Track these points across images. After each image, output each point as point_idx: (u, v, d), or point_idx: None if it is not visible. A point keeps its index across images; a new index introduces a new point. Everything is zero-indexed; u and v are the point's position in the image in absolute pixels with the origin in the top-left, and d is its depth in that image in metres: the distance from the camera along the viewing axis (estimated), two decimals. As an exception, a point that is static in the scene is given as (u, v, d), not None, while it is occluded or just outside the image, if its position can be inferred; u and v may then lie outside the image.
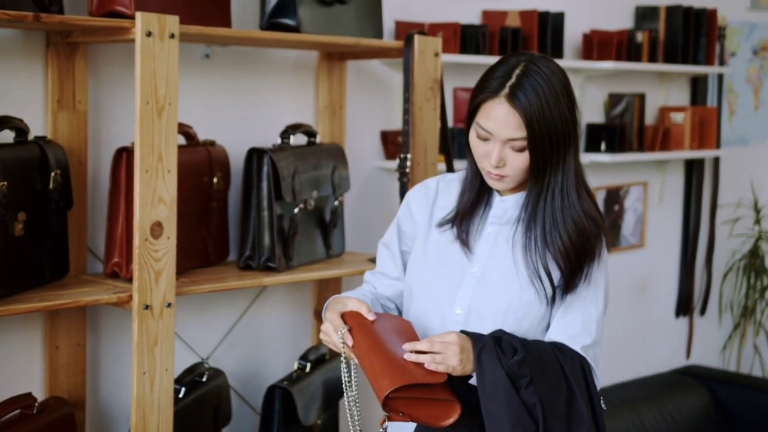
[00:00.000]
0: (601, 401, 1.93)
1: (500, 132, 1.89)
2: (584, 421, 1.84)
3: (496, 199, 2.03)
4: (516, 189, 2.01)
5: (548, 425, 1.81)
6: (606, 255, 2.03)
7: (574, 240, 1.93)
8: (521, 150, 1.89)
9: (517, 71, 1.89)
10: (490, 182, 1.97)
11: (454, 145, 3.21)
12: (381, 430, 1.81)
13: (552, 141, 1.88)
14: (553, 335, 1.97)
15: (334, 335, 1.87)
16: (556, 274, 1.96)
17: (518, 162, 1.91)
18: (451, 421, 1.79)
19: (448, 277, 2.01)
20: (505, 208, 2.02)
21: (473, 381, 1.85)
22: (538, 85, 1.87)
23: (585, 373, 1.91)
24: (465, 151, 2.04)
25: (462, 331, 1.88)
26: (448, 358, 1.80)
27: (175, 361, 2.38)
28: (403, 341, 1.84)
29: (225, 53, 2.80)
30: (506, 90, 1.87)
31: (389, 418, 1.79)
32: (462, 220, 2.02)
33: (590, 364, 1.94)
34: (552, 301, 1.96)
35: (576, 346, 1.94)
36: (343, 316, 1.89)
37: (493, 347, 1.84)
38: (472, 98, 1.94)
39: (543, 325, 1.99)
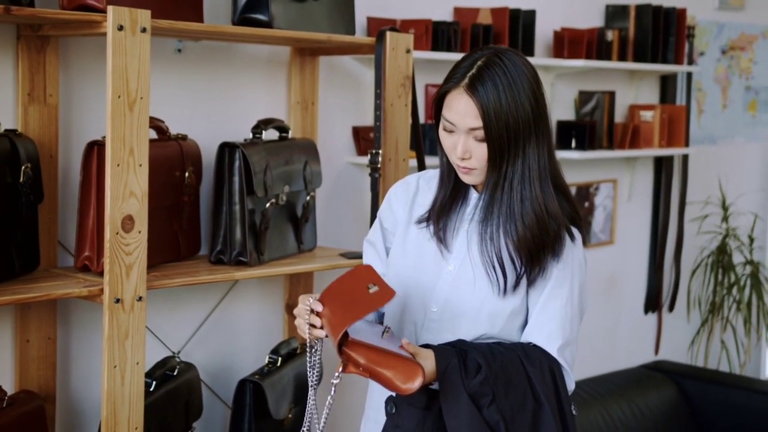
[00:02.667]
0: (573, 407, 1.94)
1: (461, 122, 1.91)
2: (551, 429, 1.87)
3: (473, 195, 2.05)
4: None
5: None
6: (582, 256, 2.03)
7: (534, 232, 1.93)
8: (483, 140, 1.91)
9: (479, 63, 1.92)
10: (461, 176, 1.99)
11: (425, 141, 3.23)
12: (336, 375, 1.80)
13: (509, 131, 1.89)
14: (529, 334, 1.99)
15: (304, 312, 1.87)
16: (512, 266, 1.96)
17: (482, 153, 1.92)
18: (413, 385, 1.78)
19: (425, 275, 2.03)
20: (482, 206, 2.03)
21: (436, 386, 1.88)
22: (496, 75, 1.89)
23: (555, 379, 1.92)
24: (437, 148, 2.06)
25: (428, 345, 1.91)
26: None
27: (146, 355, 2.38)
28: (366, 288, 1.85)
29: (197, 48, 2.81)
30: (466, 80, 1.90)
31: (345, 368, 1.80)
32: (439, 217, 2.04)
33: (562, 367, 1.96)
34: (504, 291, 1.96)
35: (551, 346, 1.96)
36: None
37: (458, 366, 1.85)
38: (438, 91, 1.98)
39: (517, 322, 2.00)
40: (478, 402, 1.83)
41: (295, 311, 1.91)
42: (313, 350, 1.90)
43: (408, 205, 2.11)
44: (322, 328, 1.84)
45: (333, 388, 1.83)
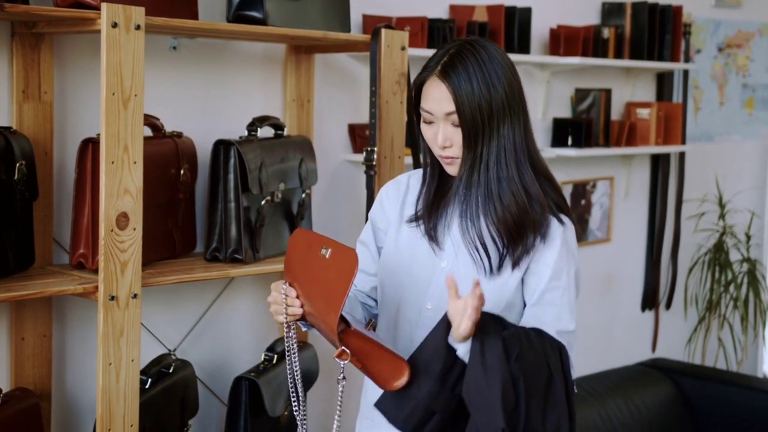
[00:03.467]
0: (573, 385, 1.94)
1: (437, 108, 1.93)
2: (560, 403, 1.86)
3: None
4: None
5: (529, 403, 1.82)
6: (574, 242, 2.04)
7: (512, 211, 1.94)
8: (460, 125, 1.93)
9: (452, 51, 1.95)
10: (446, 168, 2.00)
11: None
12: (341, 363, 1.85)
13: (482, 113, 1.91)
14: (527, 323, 1.99)
15: (279, 296, 1.91)
16: (494, 246, 1.97)
17: (461, 139, 1.93)
18: (400, 382, 1.82)
19: (418, 273, 2.03)
20: (461, 188, 2.02)
21: (461, 353, 1.86)
22: (467, 60, 1.92)
23: (561, 356, 1.92)
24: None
25: None
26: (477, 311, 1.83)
27: (141, 353, 2.38)
28: (335, 273, 1.84)
29: (192, 45, 2.81)
30: (438, 68, 1.93)
31: (342, 355, 1.82)
32: (429, 214, 2.04)
33: (566, 348, 1.95)
34: (491, 271, 1.97)
35: (551, 333, 1.96)
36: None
37: (492, 318, 1.86)
38: (413, 83, 2.00)
39: (513, 316, 2.00)
40: (508, 352, 1.83)
41: (270, 299, 1.94)
42: (291, 331, 1.97)
43: (399, 205, 2.11)
44: (302, 306, 1.89)
45: (342, 373, 1.88)
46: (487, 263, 1.97)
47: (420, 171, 2.15)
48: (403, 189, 2.13)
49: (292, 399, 2.03)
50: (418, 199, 2.07)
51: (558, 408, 1.86)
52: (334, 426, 1.95)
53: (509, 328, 1.87)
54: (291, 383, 2.03)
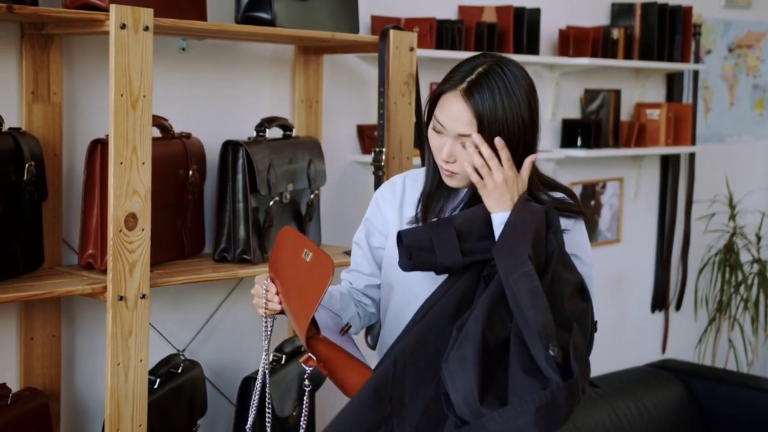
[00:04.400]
0: (595, 324, 1.92)
1: (452, 126, 1.92)
2: (586, 308, 1.86)
3: (465, 191, 2.04)
4: None
5: (557, 273, 1.83)
6: (582, 231, 2.06)
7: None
8: None
9: (480, 69, 1.93)
10: (444, 178, 2.00)
11: (429, 139, 3.23)
12: (307, 369, 1.87)
13: (503, 132, 1.90)
14: None
15: (261, 292, 1.95)
16: None
17: (467, 158, 1.92)
18: None
19: (426, 275, 2.01)
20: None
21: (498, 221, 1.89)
22: (495, 85, 1.90)
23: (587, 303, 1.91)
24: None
25: None
26: (503, 172, 1.88)
27: (150, 353, 2.39)
28: (313, 278, 1.86)
29: (201, 46, 2.81)
30: (464, 85, 1.91)
31: (308, 361, 1.85)
32: (427, 216, 2.04)
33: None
34: None
35: None
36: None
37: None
38: (434, 90, 1.99)
39: None
40: (549, 222, 1.87)
41: (253, 291, 1.98)
42: (269, 324, 2.01)
43: (397, 206, 2.11)
44: (281, 303, 1.93)
45: (306, 380, 1.92)
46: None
47: (414, 171, 2.16)
48: (399, 190, 2.13)
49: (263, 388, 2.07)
50: (419, 201, 2.07)
51: (583, 306, 1.85)
52: (302, 427, 1.98)
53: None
54: (261, 377, 2.04)
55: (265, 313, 1.96)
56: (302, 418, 1.98)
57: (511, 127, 1.91)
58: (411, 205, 2.09)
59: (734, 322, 4.83)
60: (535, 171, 2.01)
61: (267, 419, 2.05)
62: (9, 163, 2.26)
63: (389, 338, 2.05)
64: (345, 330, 1.96)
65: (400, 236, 1.91)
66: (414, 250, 1.90)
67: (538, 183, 2.01)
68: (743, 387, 4.28)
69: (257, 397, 2.08)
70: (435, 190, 2.05)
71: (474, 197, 1.99)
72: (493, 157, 1.89)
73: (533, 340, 1.73)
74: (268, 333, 2.02)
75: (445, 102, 1.93)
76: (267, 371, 2.05)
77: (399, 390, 1.86)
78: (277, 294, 1.94)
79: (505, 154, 1.89)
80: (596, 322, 1.94)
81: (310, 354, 1.85)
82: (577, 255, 1.98)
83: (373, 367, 1.96)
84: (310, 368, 1.86)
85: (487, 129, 1.89)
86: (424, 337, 1.87)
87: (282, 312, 1.96)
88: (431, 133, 1.98)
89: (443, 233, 1.89)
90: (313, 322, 1.86)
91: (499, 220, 1.89)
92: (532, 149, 1.97)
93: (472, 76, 1.91)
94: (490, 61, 1.95)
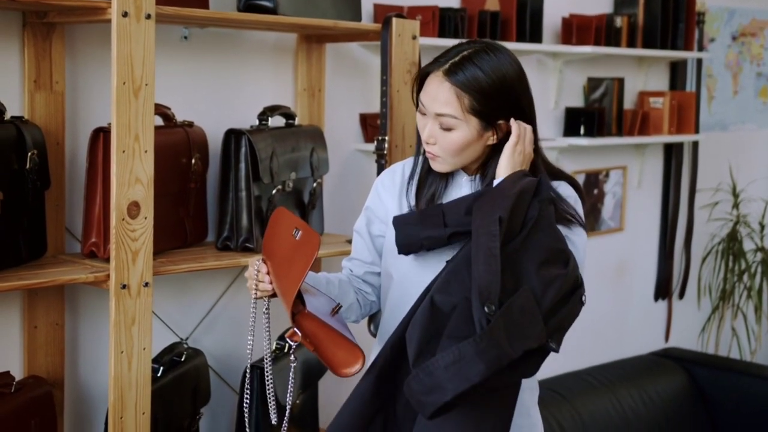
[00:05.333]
0: (583, 297, 1.90)
1: (430, 105, 1.94)
2: (560, 277, 1.83)
3: (465, 178, 2.05)
4: (482, 169, 2.03)
5: (530, 236, 1.84)
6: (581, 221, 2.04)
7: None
8: (449, 129, 1.93)
9: (465, 53, 1.94)
10: (431, 162, 2.01)
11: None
12: (291, 344, 1.88)
13: (493, 106, 1.93)
14: None
15: (253, 273, 1.95)
16: None
17: (446, 142, 1.94)
18: (351, 370, 1.84)
19: (425, 265, 2.02)
20: (473, 187, 2.03)
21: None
22: (479, 65, 1.92)
23: (578, 274, 1.90)
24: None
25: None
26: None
27: (153, 341, 2.39)
28: (299, 255, 1.87)
29: (203, 35, 2.81)
30: (447, 66, 1.93)
31: (293, 336, 1.86)
32: (419, 200, 2.05)
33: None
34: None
35: None
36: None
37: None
38: (420, 70, 2.01)
39: None
40: (538, 188, 1.89)
41: (246, 274, 1.98)
42: (262, 307, 2.00)
43: (396, 195, 2.11)
44: (271, 283, 1.93)
45: (292, 355, 1.95)
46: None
47: (412, 158, 2.15)
48: (399, 178, 2.13)
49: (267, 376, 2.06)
50: (408, 183, 2.09)
51: (558, 275, 1.83)
52: (288, 402, 1.97)
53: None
54: (249, 351, 2.04)
55: (256, 294, 1.96)
56: (288, 390, 1.98)
57: (503, 103, 1.93)
58: (412, 192, 2.09)
59: (737, 311, 4.83)
60: (541, 157, 2.02)
61: (271, 406, 2.04)
62: (11, 152, 2.27)
63: (389, 327, 2.05)
64: (335, 310, 1.97)
65: (394, 219, 1.97)
66: (401, 226, 1.96)
67: (544, 170, 2.01)
68: (746, 375, 4.29)
69: (248, 384, 2.09)
70: (426, 175, 2.06)
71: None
72: (524, 128, 1.96)
73: (475, 297, 1.75)
74: (267, 315, 2.01)
75: (427, 83, 1.96)
76: (269, 361, 2.04)
77: (394, 374, 1.88)
78: (268, 274, 1.93)
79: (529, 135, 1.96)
80: (583, 292, 1.91)
81: (295, 329, 1.86)
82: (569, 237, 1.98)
83: (370, 354, 1.97)
84: (295, 343, 1.87)
85: (472, 105, 1.91)
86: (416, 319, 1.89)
87: (274, 295, 1.96)
88: (417, 115, 2.01)
89: (430, 211, 1.97)
90: (300, 298, 1.88)
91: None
92: (531, 124, 1.99)
93: (456, 59, 1.93)
94: (477, 46, 1.97)
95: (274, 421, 2.03)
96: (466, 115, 1.92)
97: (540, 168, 2.01)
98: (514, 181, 1.89)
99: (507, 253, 1.81)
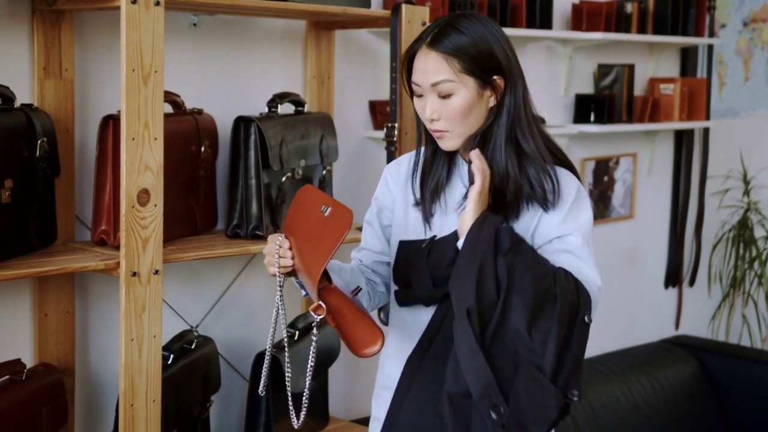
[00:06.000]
0: (588, 316, 1.89)
1: (424, 79, 1.92)
2: (554, 320, 1.81)
3: (465, 169, 2.03)
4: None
5: (510, 298, 1.80)
6: (584, 194, 2.01)
7: (503, 180, 1.95)
8: (448, 96, 1.91)
9: (443, 23, 1.95)
10: (438, 143, 1.99)
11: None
12: (315, 317, 1.84)
13: (483, 63, 1.91)
14: None
15: (273, 247, 1.91)
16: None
17: (449, 111, 1.92)
18: (371, 350, 1.83)
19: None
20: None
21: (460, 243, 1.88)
22: (461, 28, 1.91)
23: (577, 286, 1.88)
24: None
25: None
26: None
27: (163, 329, 2.40)
28: (326, 231, 1.86)
29: (212, 22, 2.80)
30: (429, 39, 1.93)
31: (317, 310, 1.83)
32: (440, 192, 2.04)
33: (585, 286, 1.90)
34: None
35: None
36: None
37: (499, 219, 1.88)
38: (405, 53, 1.99)
39: None
40: (498, 245, 1.84)
41: (264, 249, 1.94)
42: (281, 286, 1.96)
43: (403, 186, 2.10)
44: (293, 258, 1.89)
45: (315, 329, 1.88)
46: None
47: (420, 149, 2.13)
48: (404, 169, 2.12)
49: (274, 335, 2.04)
50: (413, 174, 2.08)
51: (550, 322, 1.80)
52: (307, 380, 1.94)
53: (512, 232, 1.88)
54: (271, 336, 2.02)
55: (278, 270, 1.92)
56: (309, 367, 1.95)
57: (491, 59, 1.92)
58: (416, 183, 2.09)
59: (748, 298, 4.81)
60: (546, 140, 2.00)
61: (288, 386, 2.02)
62: (21, 140, 2.27)
63: (398, 317, 2.08)
64: (355, 292, 1.96)
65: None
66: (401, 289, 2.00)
67: (547, 155, 1.98)
68: (757, 363, 4.28)
69: (267, 364, 2.05)
70: (429, 165, 2.05)
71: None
72: (486, 168, 1.90)
73: (477, 399, 1.78)
74: (280, 295, 1.97)
75: (415, 63, 1.95)
76: (273, 335, 2.03)
77: None
78: (290, 249, 1.91)
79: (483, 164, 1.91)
80: (586, 309, 1.89)
81: (320, 302, 1.84)
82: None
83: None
84: (319, 317, 1.84)
85: (463, 66, 1.90)
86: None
87: (292, 273, 1.93)
88: (414, 101, 1.98)
89: (419, 268, 1.96)
90: (326, 275, 1.87)
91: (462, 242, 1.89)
92: (520, 85, 1.96)
93: (436, 30, 1.93)
94: (453, 15, 1.97)
95: (290, 401, 2.01)
96: (460, 76, 1.91)
97: (543, 155, 1.97)
98: (475, 242, 1.85)
99: (491, 336, 1.79)
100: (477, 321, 1.78)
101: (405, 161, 2.14)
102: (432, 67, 1.91)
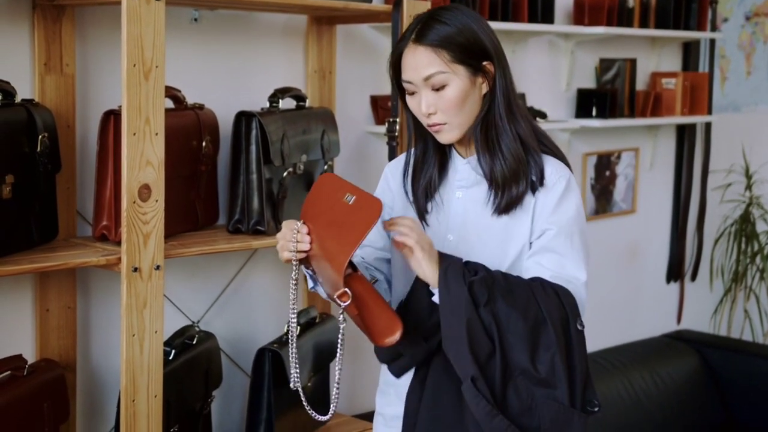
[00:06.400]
0: (579, 322, 1.89)
1: (416, 74, 1.91)
2: (552, 343, 1.83)
3: (460, 162, 2.03)
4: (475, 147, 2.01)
5: (505, 343, 1.81)
6: (573, 186, 1.99)
7: (509, 163, 1.94)
8: (442, 87, 1.91)
9: (424, 18, 1.94)
10: (437, 137, 1.98)
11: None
12: (341, 304, 1.82)
13: (472, 51, 1.91)
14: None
15: (288, 232, 1.88)
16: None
17: (444, 102, 1.91)
18: (390, 339, 1.82)
19: None
20: (469, 170, 2.01)
21: (436, 299, 1.87)
22: (443, 19, 1.91)
23: (559, 296, 1.88)
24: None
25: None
26: (414, 232, 1.85)
27: (165, 324, 2.39)
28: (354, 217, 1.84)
29: (213, 17, 2.80)
30: (413, 35, 1.92)
31: (342, 296, 1.81)
32: (433, 190, 2.04)
33: (569, 290, 1.90)
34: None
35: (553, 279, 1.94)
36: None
37: (460, 265, 1.85)
38: (390, 58, 1.98)
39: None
40: (475, 299, 1.82)
41: (279, 235, 1.91)
42: (296, 269, 1.92)
43: (401, 184, 2.10)
44: (311, 243, 1.86)
45: (341, 315, 1.85)
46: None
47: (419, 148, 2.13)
48: (401, 167, 2.12)
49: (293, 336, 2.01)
50: (404, 173, 2.08)
51: (550, 349, 1.82)
52: (337, 371, 1.92)
53: (481, 272, 1.86)
54: (292, 323, 1.98)
55: (295, 255, 1.88)
56: (338, 358, 1.92)
57: (477, 45, 1.91)
58: (408, 183, 2.09)
59: (750, 293, 4.81)
60: (535, 131, 1.99)
61: (297, 382, 2.01)
62: (22, 135, 2.26)
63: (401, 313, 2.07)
64: (373, 282, 1.96)
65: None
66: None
67: (534, 139, 1.98)
68: (759, 357, 4.28)
69: (293, 350, 2.02)
70: (420, 165, 2.04)
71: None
72: (410, 227, 1.86)
73: None
74: (295, 281, 1.94)
75: (403, 62, 1.94)
76: (293, 328, 2.01)
77: None
78: (308, 234, 1.87)
79: (408, 221, 1.88)
80: (576, 316, 1.90)
81: (345, 289, 1.81)
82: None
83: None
84: (345, 303, 1.82)
85: (452, 56, 1.89)
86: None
87: (303, 261, 1.90)
88: (408, 100, 1.97)
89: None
90: (351, 263, 1.85)
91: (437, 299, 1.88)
92: (506, 72, 1.96)
93: (419, 26, 1.93)
94: (433, 9, 1.97)
95: (293, 386, 1.99)
96: (451, 66, 1.90)
97: (532, 146, 1.96)
98: (449, 300, 1.83)
99: (500, 387, 1.81)
100: (484, 385, 1.80)
101: (403, 158, 2.14)
102: (422, 62, 1.90)
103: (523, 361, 1.82)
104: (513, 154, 1.94)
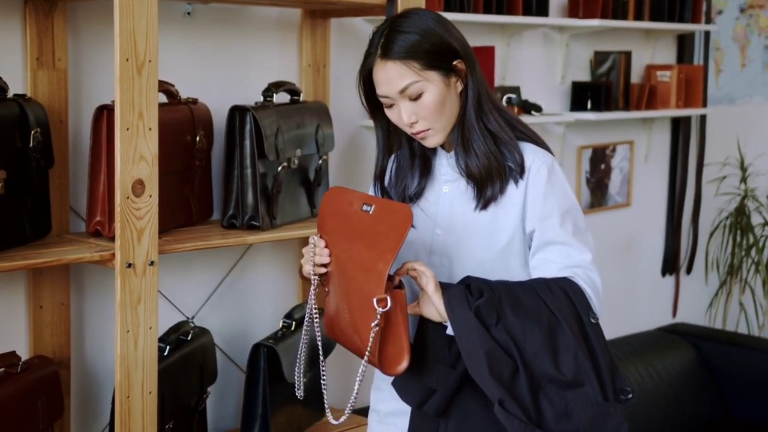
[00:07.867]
0: (591, 316, 1.89)
1: (390, 88, 1.90)
2: (571, 342, 1.83)
3: (444, 157, 2.03)
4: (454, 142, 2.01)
5: (526, 356, 1.81)
6: (558, 171, 1.99)
7: (483, 161, 1.94)
8: (418, 96, 1.90)
9: (385, 30, 1.92)
10: (424, 144, 1.98)
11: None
12: (378, 310, 1.79)
13: (440, 54, 1.90)
14: (535, 275, 1.97)
15: (308, 248, 1.91)
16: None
17: (424, 108, 1.91)
18: (397, 369, 1.82)
19: (418, 242, 2.02)
20: (453, 165, 2.01)
21: (450, 331, 1.87)
22: (403, 32, 1.89)
23: (567, 293, 1.88)
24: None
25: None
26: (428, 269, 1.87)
27: (159, 320, 2.38)
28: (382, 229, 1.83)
29: (206, 11, 2.78)
30: (379, 51, 1.91)
31: (381, 303, 1.78)
32: (419, 195, 2.04)
33: (577, 283, 1.91)
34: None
35: (563, 271, 1.94)
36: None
37: (462, 292, 1.85)
38: (360, 73, 1.97)
39: (520, 261, 1.99)
40: (485, 323, 1.82)
41: (303, 250, 1.94)
42: (316, 284, 1.94)
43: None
44: (330, 255, 1.88)
45: (378, 317, 1.82)
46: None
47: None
48: (387, 178, 2.12)
49: (321, 363, 2.02)
50: (375, 180, 2.08)
51: (570, 349, 1.82)
52: (360, 371, 1.89)
53: (485, 294, 1.85)
54: (304, 341, 2.02)
55: (312, 268, 1.90)
56: (366, 353, 1.88)
57: (443, 47, 1.90)
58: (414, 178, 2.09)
59: (745, 286, 4.81)
60: (508, 121, 1.98)
61: (298, 377, 2.00)
62: (14, 130, 2.24)
63: None
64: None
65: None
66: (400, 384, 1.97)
67: (507, 129, 1.97)
68: (754, 350, 4.28)
69: (303, 348, 2.05)
70: (404, 167, 2.05)
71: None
72: (419, 266, 1.87)
73: None
74: (313, 297, 1.96)
75: (375, 77, 1.93)
76: (319, 340, 2.02)
77: None
78: (326, 248, 1.89)
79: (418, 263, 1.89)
80: (588, 308, 1.90)
81: (388, 296, 1.79)
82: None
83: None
84: (382, 309, 1.79)
85: (421, 64, 1.88)
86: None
87: (321, 275, 1.91)
88: (387, 113, 1.96)
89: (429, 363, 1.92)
90: (388, 275, 1.82)
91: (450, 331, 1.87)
92: (476, 71, 1.95)
93: (382, 39, 1.91)
94: (392, 19, 1.95)
95: (300, 396, 2.05)
96: (423, 74, 1.89)
97: (504, 139, 1.96)
98: (461, 329, 1.83)
99: (531, 401, 1.81)
100: (513, 405, 1.80)
101: (393, 158, 2.14)
102: (394, 75, 1.89)
103: (548, 368, 1.81)
104: (484, 152, 1.94)
